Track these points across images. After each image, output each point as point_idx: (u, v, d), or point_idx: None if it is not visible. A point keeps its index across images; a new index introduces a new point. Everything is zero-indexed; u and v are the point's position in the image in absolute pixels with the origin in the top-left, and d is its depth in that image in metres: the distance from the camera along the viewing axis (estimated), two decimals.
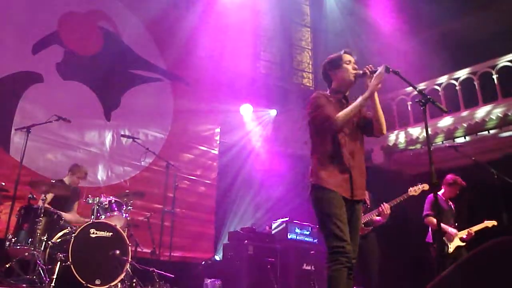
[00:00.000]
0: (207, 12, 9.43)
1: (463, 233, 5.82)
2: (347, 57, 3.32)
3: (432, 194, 5.32)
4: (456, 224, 5.97)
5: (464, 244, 5.79)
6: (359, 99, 3.13)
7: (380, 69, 3.12)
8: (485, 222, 5.91)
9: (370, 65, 3.20)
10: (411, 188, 5.32)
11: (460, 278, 1.41)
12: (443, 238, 5.75)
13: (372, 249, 5.12)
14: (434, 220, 5.66)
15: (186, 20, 9.06)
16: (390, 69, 3.11)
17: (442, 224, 5.66)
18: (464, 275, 1.40)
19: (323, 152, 3.18)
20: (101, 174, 7.68)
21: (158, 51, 8.91)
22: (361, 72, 3.22)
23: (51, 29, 7.70)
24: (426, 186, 5.29)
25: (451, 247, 5.74)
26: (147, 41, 8.83)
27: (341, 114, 3.10)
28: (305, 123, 3.39)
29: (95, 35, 8.21)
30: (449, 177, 6.00)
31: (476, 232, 5.87)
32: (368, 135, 3.36)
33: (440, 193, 5.96)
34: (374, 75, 3.12)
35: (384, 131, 3.28)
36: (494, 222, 5.87)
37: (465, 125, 9.45)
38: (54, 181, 5.48)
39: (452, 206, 6.08)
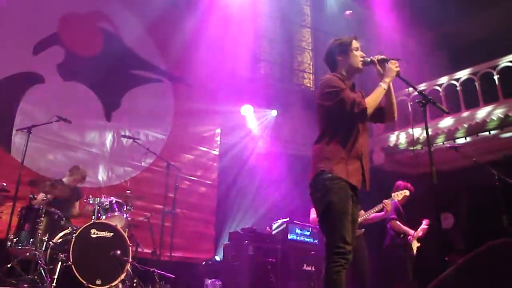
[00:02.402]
0: (207, 13, 9.43)
1: (419, 232, 6.17)
2: (355, 43, 3.23)
3: (396, 200, 5.72)
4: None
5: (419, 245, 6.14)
6: (382, 84, 3.07)
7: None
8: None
9: (377, 55, 3.18)
10: (393, 193, 5.71)
11: (459, 279, 1.41)
12: (405, 240, 6.06)
13: (363, 250, 5.17)
14: (399, 223, 6.07)
15: (186, 21, 9.05)
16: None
17: (405, 227, 6.08)
18: (463, 277, 1.40)
19: (338, 138, 3.01)
20: (101, 175, 7.69)
21: (158, 52, 8.92)
22: (369, 59, 3.18)
23: (52, 30, 7.73)
24: (407, 192, 5.72)
25: (414, 249, 6.05)
26: (147, 42, 8.84)
27: (370, 100, 3.01)
28: (316, 105, 3.16)
29: (95, 36, 8.23)
30: (400, 183, 6.10)
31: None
32: (379, 122, 3.35)
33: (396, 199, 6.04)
34: (390, 60, 3.10)
35: (396, 116, 3.29)
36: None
37: (466, 125, 9.45)
38: (54, 180, 5.49)
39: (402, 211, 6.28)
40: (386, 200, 5.44)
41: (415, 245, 6.09)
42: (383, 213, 5.50)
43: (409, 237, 6.03)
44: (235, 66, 10.00)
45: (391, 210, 5.99)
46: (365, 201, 4.69)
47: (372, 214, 5.45)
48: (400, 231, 6.05)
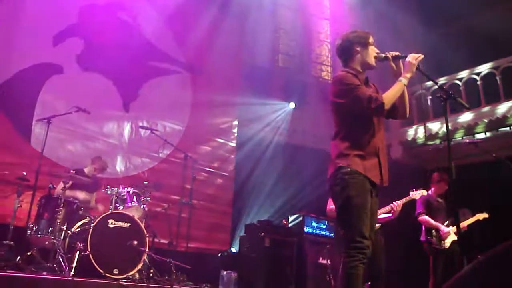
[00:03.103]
0: (225, 5, 9.42)
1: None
2: (371, 38, 3.23)
3: (423, 195, 5.56)
4: (447, 219, 5.99)
5: (456, 238, 5.83)
6: (402, 80, 3.04)
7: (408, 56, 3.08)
8: (477, 215, 6.03)
9: (392, 52, 3.16)
10: (411, 192, 5.53)
11: (477, 277, 1.40)
12: (438, 234, 5.86)
13: (379, 245, 5.13)
14: (427, 218, 5.89)
15: (205, 13, 9.06)
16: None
17: (435, 222, 5.87)
18: (479, 276, 1.39)
19: (355, 134, 3.02)
20: (119, 165, 7.77)
21: (176, 43, 8.94)
22: (383, 55, 3.17)
23: (71, 20, 7.79)
24: (424, 192, 5.59)
25: (447, 242, 5.79)
26: (166, 34, 8.86)
27: (388, 96, 2.98)
28: (330, 103, 3.14)
29: (114, 27, 8.26)
30: (436, 174, 6.09)
31: (468, 225, 6.01)
32: (392, 118, 3.29)
33: (430, 191, 5.99)
34: (410, 54, 3.06)
35: (408, 114, 3.25)
36: (486, 215, 6.03)
37: (486, 120, 9.31)
38: (73, 171, 5.57)
39: (443, 203, 6.12)
40: (396, 202, 5.27)
41: (451, 238, 5.79)
42: (391, 215, 5.28)
43: (441, 231, 5.81)
44: (253, 58, 9.98)
45: (418, 204, 5.92)
46: (381, 195, 4.64)
47: (381, 215, 5.31)
48: (429, 226, 5.86)
